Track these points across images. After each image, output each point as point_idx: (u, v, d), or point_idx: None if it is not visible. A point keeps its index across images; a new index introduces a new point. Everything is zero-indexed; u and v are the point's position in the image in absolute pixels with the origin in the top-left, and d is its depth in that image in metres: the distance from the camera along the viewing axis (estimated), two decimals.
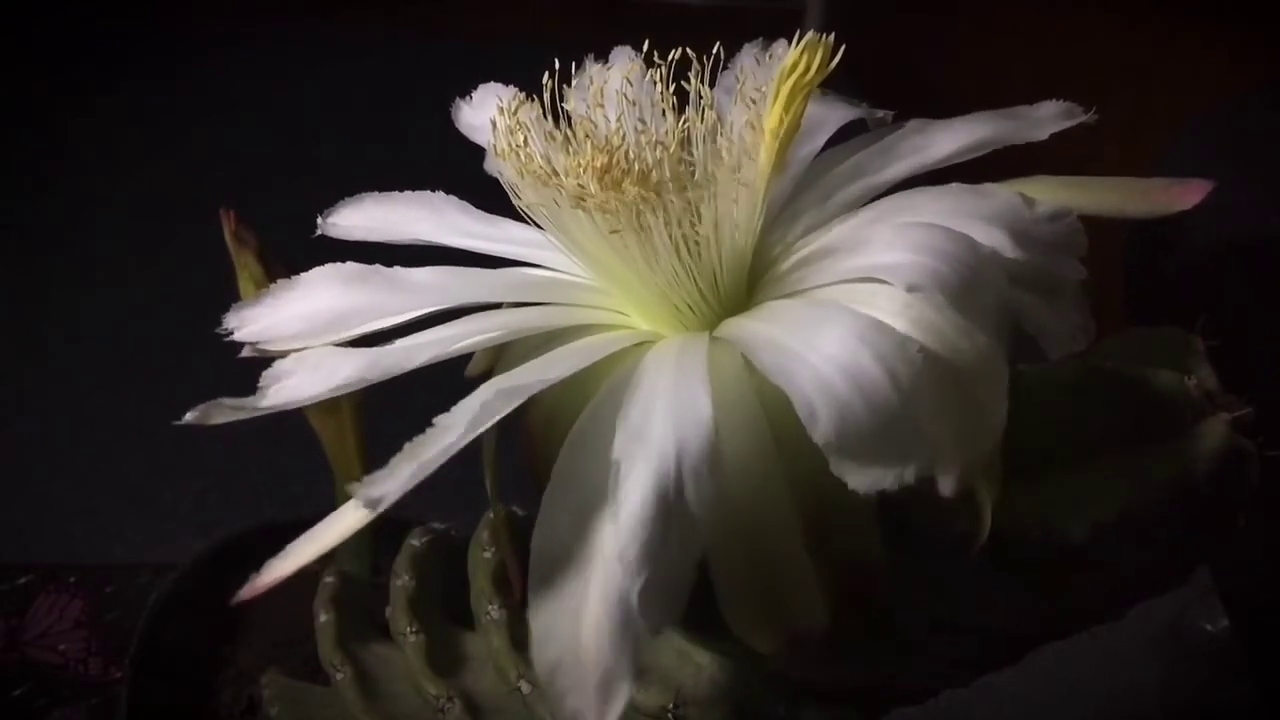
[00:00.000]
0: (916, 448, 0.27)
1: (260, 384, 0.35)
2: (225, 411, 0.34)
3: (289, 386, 0.34)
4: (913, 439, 0.27)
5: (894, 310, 0.30)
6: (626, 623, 0.28)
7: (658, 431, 0.29)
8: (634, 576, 0.27)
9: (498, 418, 0.31)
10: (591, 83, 0.39)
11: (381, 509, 0.30)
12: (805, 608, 0.30)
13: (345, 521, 0.34)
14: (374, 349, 0.35)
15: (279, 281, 0.38)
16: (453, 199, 0.41)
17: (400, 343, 0.35)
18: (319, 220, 0.42)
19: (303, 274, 0.38)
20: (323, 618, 0.50)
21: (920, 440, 0.27)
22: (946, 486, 0.27)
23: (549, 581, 0.29)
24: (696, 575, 0.28)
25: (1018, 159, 0.38)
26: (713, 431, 0.28)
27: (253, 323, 0.37)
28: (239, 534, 0.71)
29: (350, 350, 0.35)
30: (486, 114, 0.40)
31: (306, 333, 0.36)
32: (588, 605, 0.29)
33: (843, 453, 0.27)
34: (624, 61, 0.41)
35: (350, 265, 0.38)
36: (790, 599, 0.30)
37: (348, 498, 0.32)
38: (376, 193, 0.42)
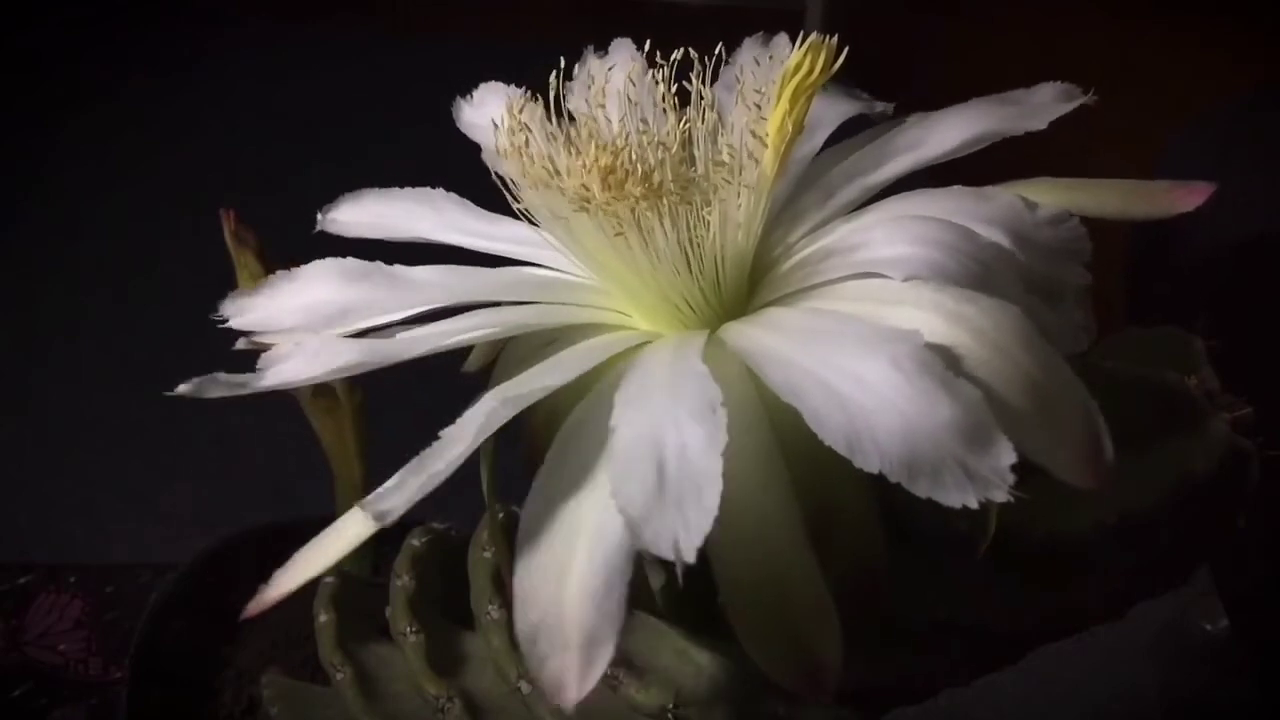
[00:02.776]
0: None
1: (259, 365, 0.35)
2: (221, 387, 0.34)
3: (288, 369, 0.34)
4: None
5: (900, 305, 0.30)
6: (611, 582, 0.27)
7: (655, 396, 0.29)
8: (627, 515, 0.26)
9: (502, 424, 0.31)
10: (593, 81, 0.39)
11: (389, 522, 0.30)
12: (822, 631, 0.29)
13: (351, 532, 0.34)
14: (374, 338, 0.35)
15: (278, 273, 0.38)
16: (453, 196, 0.41)
17: (400, 335, 0.35)
18: (319, 216, 0.42)
19: (302, 266, 0.38)
20: (323, 618, 0.50)
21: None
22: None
23: (534, 546, 0.29)
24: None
25: (1019, 158, 0.38)
26: (715, 388, 0.28)
27: (250, 311, 0.37)
28: (239, 534, 0.71)
29: (350, 339, 0.35)
30: (487, 113, 0.40)
31: (304, 325, 0.36)
32: (573, 566, 0.28)
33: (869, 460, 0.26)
34: (624, 55, 0.41)
35: (351, 261, 0.38)
36: (805, 617, 0.29)
37: (348, 499, 0.32)
38: (377, 189, 0.42)
